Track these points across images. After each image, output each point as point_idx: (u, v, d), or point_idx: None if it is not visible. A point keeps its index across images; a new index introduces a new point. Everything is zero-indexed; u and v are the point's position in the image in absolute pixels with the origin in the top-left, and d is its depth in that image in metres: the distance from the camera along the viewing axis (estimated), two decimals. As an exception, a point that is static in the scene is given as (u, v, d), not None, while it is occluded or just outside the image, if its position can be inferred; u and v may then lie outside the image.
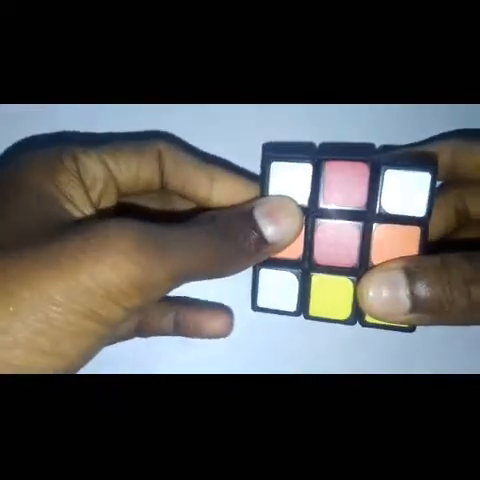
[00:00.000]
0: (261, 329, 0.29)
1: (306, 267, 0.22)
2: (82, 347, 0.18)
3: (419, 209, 0.20)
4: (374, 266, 0.21)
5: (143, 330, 0.27)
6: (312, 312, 0.23)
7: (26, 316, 0.17)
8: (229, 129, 0.28)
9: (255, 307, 0.23)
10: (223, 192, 0.24)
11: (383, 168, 0.20)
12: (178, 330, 0.27)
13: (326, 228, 0.21)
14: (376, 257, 0.21)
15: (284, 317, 0.23)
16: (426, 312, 0.19)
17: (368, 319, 0.22)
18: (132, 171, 0.24)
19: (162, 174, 0.25)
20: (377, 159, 0.20)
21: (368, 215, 0.21)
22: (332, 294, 0.22)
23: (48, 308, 0.17)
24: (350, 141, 0.28)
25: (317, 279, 0.22)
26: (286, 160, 0.21)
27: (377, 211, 0.20)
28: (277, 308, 0.23)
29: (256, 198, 0.22)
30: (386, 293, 0.19)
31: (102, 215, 0.23)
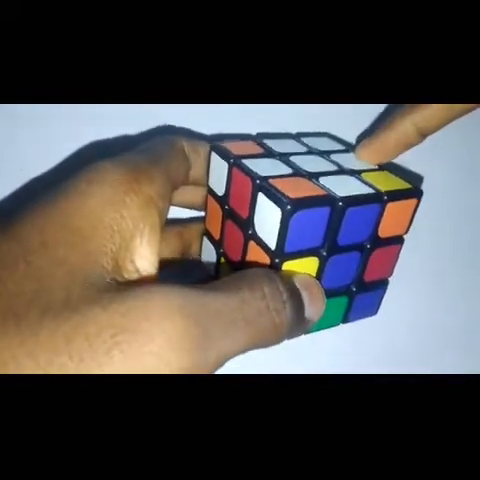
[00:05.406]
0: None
1: (219, 251, 0.25)
2: None
3: (271, 241, 0.20)
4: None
5: None
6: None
7: None
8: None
9: None
10: None
11: (256, 190, 0.20)
12: None
13: (230, 224, 0.23)
14: (249, 257, 0.22)
15: None
16: None
17: None
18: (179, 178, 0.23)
19: (188, 168, 0.24)
20: (260, 179, 0.20)
21: (248, 226, 0.22)
22: None
23: None
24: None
25: (223, 262, 0.25)
26: (216, 152, 0.23)
27: (251, 229, 0.21)
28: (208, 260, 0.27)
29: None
30: None
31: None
